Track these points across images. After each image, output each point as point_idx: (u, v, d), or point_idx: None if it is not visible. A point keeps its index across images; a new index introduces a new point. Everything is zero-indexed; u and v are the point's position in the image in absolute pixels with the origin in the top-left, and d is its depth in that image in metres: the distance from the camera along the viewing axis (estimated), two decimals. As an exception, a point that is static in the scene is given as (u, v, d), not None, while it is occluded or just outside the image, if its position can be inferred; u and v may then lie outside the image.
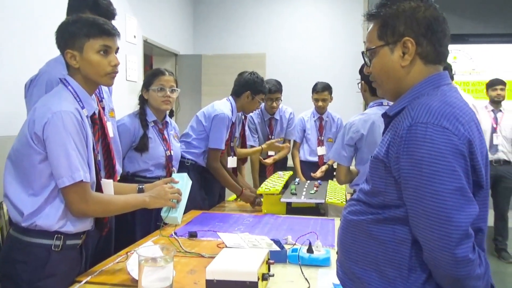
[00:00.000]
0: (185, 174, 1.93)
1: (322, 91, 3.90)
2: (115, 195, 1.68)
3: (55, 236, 1.48)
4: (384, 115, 1.18)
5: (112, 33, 1.57)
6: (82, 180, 1.45)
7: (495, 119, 4.45)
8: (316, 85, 3.96)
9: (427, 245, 1.00)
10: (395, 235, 1.06)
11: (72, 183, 1.43)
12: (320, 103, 3.93)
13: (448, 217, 0.95)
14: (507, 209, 4.47)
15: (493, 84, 4.52)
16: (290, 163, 4.11)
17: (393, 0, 1.14)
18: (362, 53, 1.22)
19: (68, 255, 1.51)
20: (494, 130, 4.40)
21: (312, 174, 3.54)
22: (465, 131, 0.99)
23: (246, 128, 3.50)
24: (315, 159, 4.00)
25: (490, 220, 4.55)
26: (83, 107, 1.54)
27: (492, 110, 4.49)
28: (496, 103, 4.49)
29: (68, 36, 1.53)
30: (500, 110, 4.51)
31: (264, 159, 3.76)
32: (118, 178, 2.06)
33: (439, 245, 0.96)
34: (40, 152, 1.44)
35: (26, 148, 1.45)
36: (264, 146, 3.43)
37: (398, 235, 1.06)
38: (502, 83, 4.49)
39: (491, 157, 4.32)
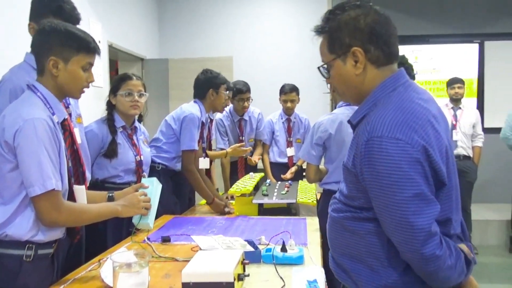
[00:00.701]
0: (155, 179, 1.93)
1: (290, 92, 3.96)
2: (87, 204, 1.65)
3: (27, 246, 1.44)
4: (349, 122, 1.24)
5: (98, 52, 1.59)
6: (54, 189, 1.42)
7: (455, 116, 4.63)
8: (283, 86, 4.01)
9: (398, 247, 1.09)
10: (371, 230, 1.14)
11: (44, 191, 1.40)
12: (288, 104, 3.99)
13: (410, 222, 1.03)
14: (469, 202, 4.64)
15: (451, 82, 4.71)
16: (260, 164, 4.14)
17: (334, 13, 1.18)
18: (318, 68, 1.26)
19: (40, 265, 1.48)
20: (453, 127, 4.58)
21: (282, 176, 3.59)
22: (419, 137, 1.04)
23: (214, 131, 3.51)
24: (285, 160, 4.05)
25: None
26: (53, 114, 1.52)
27: (452, 108, 4.66)
28: (455, 101, 4.67)
29: (57, 44, 1.51)
30: (460, 108, 4.69)
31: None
32: (88, 185, 2.03)
33: (407, 247, 1.05)
34: (11, 160, 1.41)
35: None
36: (229, 150, 3.44)
37: (374, 230, 1.14)
38: (460, 81, 4.67)
39: None
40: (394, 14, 5.20)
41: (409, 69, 2.88)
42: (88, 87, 1.61)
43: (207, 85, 2.93)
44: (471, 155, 4.64)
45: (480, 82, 5.67)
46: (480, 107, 5.66)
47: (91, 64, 1.59)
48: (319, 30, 1.21)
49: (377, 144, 1.05)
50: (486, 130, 5.46)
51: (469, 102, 5.48)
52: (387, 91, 1.14)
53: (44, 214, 1.44)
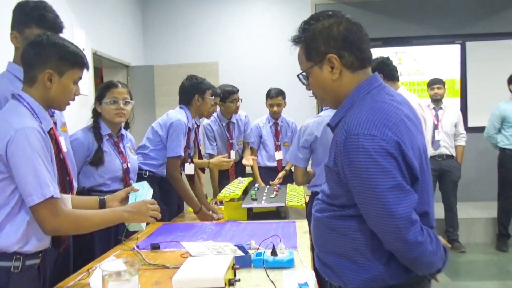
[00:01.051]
0: (145, 182, 1.95)
1: (276, 96, 3.99)
2: (91, 211, 1.65)
3: (14, 257, 1.42)
4: (328, 125, 1.32)
5: (88, 68, 1.64)
6: (52, 196, 1.41)
7: (436, 116, 4.69)
8: (269, 91, 4.04)
9: (382, 238, 1.15)
10: (353, 227, 1.21)
11: (42, 200, 1.39)
12: (275, 108, 4.01)
13: (391, 212, 1.10)
14: (454, 201, 4.70)
15: (431, 83, 4.78)
16: (248, 169, 4.14)
17: (309, 23, 1.26)
18: (298, 75, 1.34)
19: (27, 276, 1.46)
20: (435, 127, 4.64)
21: (271, 183, 3.59)
22: (393, 134, 1.12)
23: (201, 137, 3.49)
24: (274, 164, 4.07)
25: (441, 213, 4.77)
26: (40, 123, 1.50)
27: (434, 108, 4.73)
28: (435, 101, 4.73)
29: (54, 58, 1.52)
30: (441, 108, 4.75)
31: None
32: (75, 194, 2.01)
33: (392, 236, 1.12)
34: (1, 171, 1.40)
35: None
36: (212, 161, 3.37)
37: (357, 226, 1.21)
38: (439, 82, 4.74)
39: (434, 152, 4.55)
40: (377, 17, 5.30)
41: (393, 71, 2.93)
42: (74, 100, 1.64)
43: (193, 91, 2.93)
44: (454, 154, 4.70)
45: (462, 82, 5.76)
46: (464, 106, 5.74)
47: (81, 78, 1.63)
48: (296, 40, 1.29)
49: (355, 141, 1.12)
50: (470, 130, 5.55)
51: (452, 102, 5.57)
52: (362, 93, 1.22)
53: (45, 222, 1.43)
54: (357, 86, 1.23)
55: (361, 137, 1.12)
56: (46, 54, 1.52)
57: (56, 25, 1.90)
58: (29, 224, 1.45)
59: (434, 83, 4.74)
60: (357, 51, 1.22)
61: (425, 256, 1.14)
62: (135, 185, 1.88)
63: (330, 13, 1.25)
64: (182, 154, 2.83)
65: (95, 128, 2.46)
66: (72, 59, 1.56)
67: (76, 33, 3.92)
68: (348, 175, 1.15)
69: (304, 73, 1.31)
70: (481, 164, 5.56)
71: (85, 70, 1.64)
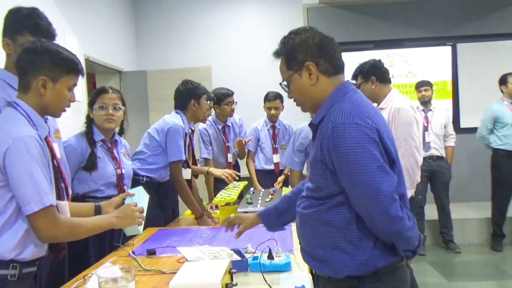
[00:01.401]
0: (141, 187, 1.96)
1: (274, 99, 4.00)
2: (82, 218, 1.64)
3: (11, 265, 1.42)
4: (310, 124, 1.44)
5: (83, 74, 1.63)
6: (51, 204, 1.41)
7: (426, 118, 4.70)
8: (267, 94, 4.05)
9: (368, 215, 1.29)
10: (341, 216, 1.34)
11: (41, 208, 1.39)
12: (272, 112, 4.02)
13: (378, 189, 1.25)
14: (447, 201, 4.71)
15: (418, 86, 4.80)
16: (244, 173, 4.14)
17: (289, 37, 1.44)
18: (280, 84, 1.49)
19: (24, 284, 1.46)
20: (425, 129, 4.65)
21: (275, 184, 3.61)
22: (372, 122, 1.29)
23: (198, 141, 3.49)
24: (271, 167, 4.08)
25: (434, 214, 4.79)
26: (37, 130, 1.50)
27: (423, 110, 4.75)
28: (424, 103, 4.74)
29: (48, 64, 1.51)
30: (430, 110, 4.76)
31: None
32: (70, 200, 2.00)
33: (376, 211, 1.26)
34: None
35: None
36: (214, 172, 3.33)
37: (344, 216, 1.33)
38: (426, 84, 4.75)
39: (425, 154, 4.55)
40: (368, 19, 5.33)
41: (385, 73, 2.94)
42: (69, 106, 1.63)
43: (188, 96, 2.93)
44: (444, 155, 4.73)
45: (454, 83, 5.79)
46: (456, 108, 5.77)
47: (75, 85, 1.62)
48: (278, 53, 1.47)
49: (341, 129, 1.27)
50: (463, 131, 5.59)
51: (444, 104, 5.60)
52: (340, 94, 1.39)
53: (42, 230, 1.42)
54: (336, 89, 1.40)
55: (346, 126, 1.27)
56: (39, 60, 1.51)
57: (49, 33, 1.89)
58: (26, 232, 1.44)
59: (421, 85, 4.76)
60: (331, 58, 1.40)
61: (405, 231, 1.30)
62: (131, 190, 1.87)
63: (306, 28, 1.44)
64: (184, 158, 2.83)
65: (88, 134, 2.46)
66: (66, 66, 1.55)
67: (68, 39, 3.91)
68: (336, 160, 1.28)
69: (285, 82, 1.47)
70: (473, 164, 5.60)
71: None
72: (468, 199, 5.58)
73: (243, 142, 3.86)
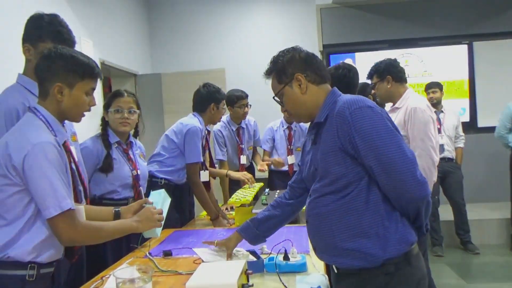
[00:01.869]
0: (163, 190, 1.98)
1: None
2: (103, 222, 1.67)
3: (29, 266, 1.44)
4: (315, 124, 1.51)
5: (101, 77, 1.63)
6: (70, 208, 1.43)
7: (439, 120, 4.61)
8: None
9: (398, 185, 1.35)
10: (368, 200, 1.39)
11: (60, 212, 1.41)
12: None
13: (406, 157, 1.35)
14: (463, 203, 4.62)
15: (427, 88, 4.72)
16: (258, 174, 4.14)
17: (278, 56, 1.58)
18: (274, 97, 1.60)
19: (42, 284, 1.47)
20: (438, 131, 4.58)
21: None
22: (377, 107, 1.41)
23: (213, 143, 3.50)
24: (285, 168, 4.06)
25: (449, 215, 4.72)
26: (55, 136, 1.52)
27: (435, 112, 4.66)
28: (433, 105, 4.66)
29: (63, 70, 1.52)
30: (442, 111, 4.69)
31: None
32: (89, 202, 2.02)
33: (406, 177, 1.34)
34: (18, 184, 1.42)
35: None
36: (234, 175, 3.44)
37: (369, 200, 1.39)
38: (435, 86, 4.66)
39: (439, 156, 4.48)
40: (382, 19, 5.28)
41: (401, 73, 2.91)
42: (89, 110, 1.64)
43: (209, 100, 2.94)
44: (454, 157, 4.66)
45: (471, 82, 5.71)
46: (473, 107, 5.69)
47: (94, 89, 1.62)
48: (269, 72, 1.59)
49: (359, 112, 1.37)
50: (480, 130, 5.51)
51: (460, 103, 5.53)
52: (337, 95, 1.50)
53: (62, 234, 1.45)
54: (330, 92, 1.52)
55: (363, 109, 1.38)
56: (54, 67, 1.52)
57: (70, 40, 1.92)
58: (43, 235, 1.47)
59: (430, 87, 4.69)
60: (317, 69, 1.53)
61: (429, 194, 1.39)
62: (154, 193, 1.90)
63: (293, 47, 1.58)
64: (202, 159, 2.85)
65: (103, 136, 2.49)
66: (81, 71, 1.55)
67: (83, 43, 3.96)
68: (360, 142, 1.36)
69: (277, 97, 1.57)
70: (492, 164, 5.50)
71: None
72: (486, 199, 5.49)
73: (266, 165, 3.91)
